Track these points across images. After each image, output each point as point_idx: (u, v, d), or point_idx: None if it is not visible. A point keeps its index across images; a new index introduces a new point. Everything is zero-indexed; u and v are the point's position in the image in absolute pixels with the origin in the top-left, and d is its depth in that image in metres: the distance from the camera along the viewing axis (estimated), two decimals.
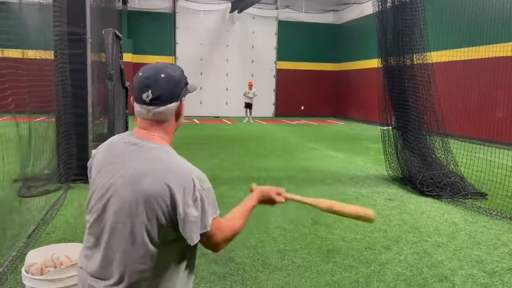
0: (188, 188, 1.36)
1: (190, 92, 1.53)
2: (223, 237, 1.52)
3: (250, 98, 18.36)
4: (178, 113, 1.49)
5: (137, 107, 1.45)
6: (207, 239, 1.45)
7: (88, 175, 1.56)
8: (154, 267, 1.39)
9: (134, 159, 1.41)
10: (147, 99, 1.41)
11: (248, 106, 18.53)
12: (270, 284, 3.26)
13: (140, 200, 1.36)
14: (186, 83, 1.51)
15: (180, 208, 1.35)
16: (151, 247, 1.38)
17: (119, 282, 1.39)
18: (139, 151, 1.43)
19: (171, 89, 1.43)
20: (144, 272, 1.38)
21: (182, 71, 1.51)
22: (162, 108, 1.42)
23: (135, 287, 1.39)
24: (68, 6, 5.85)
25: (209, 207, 1.41)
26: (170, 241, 1.40)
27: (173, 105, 1.45)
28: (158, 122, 1.45)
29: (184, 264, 1.48)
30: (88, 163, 1.59)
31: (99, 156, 1.52)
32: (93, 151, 1.63)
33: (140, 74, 1.45)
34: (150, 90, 1.40)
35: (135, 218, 1.37)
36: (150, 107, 1.42)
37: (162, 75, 1.42)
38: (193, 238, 1.38)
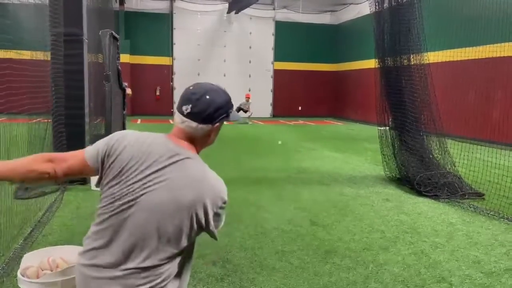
0: (219, 197, 1.54)
1: (229, 121, 1.63)
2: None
3: (246, 111, 18.26)
4: (208, 135, 1.59)
5: (176, 115, 1.58)
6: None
7: (101, 157, 1.54)
8: (172, 260, 1.51)
9: (175, 167, 1.50)
10: (185, 111, 1.53)
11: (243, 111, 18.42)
12: (268, 286, 3.26)
13: (179, 207, 1.47)
14: (228, 111, 1.60)
15: (211, 211, 1.51)
16: (177, 247, 1.50)
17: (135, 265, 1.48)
18: (178, 159, 1.52)
19: (209, 111, 1.53)
20: (164, 262, 1.50)
21: (229, 100, 1.62)
22: (194, 124, 1.53)
23: (148, 270, 1.48)
24: (64, 6, 5.82)
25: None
26: (193, 242, 1.57)
27: (205, 126, 1.55)
28: (188, 135, 1.56)
29: (189, 257, 1.62)
30: (104, 147, 1.55)
31: (130, 147, 1.53)
32: (114, 138, 1.58)
33: (190, 88, 1.58)
34: (190, 105, 1.52)
35: (169, 222, 1.47)
36: (185, 119, 1.54)
37: (207, 97, 1.54)
38: (218, 227, 1.58)
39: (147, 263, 1.47)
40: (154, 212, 1.47)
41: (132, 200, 1.48)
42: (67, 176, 1.61)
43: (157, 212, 1.47)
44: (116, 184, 1.51)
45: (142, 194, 1.48)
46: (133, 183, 1.49)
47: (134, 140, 1.56)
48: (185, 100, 1.54)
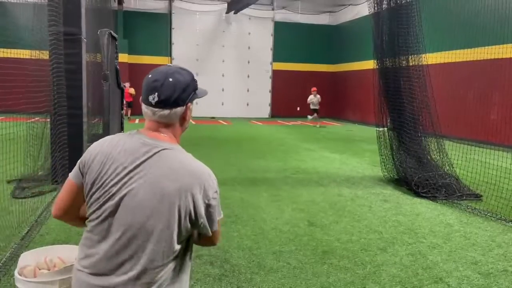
0: (208, 186, 1.46)
1: (198, 97, 1.57)
2: (219, 235, 1.61)
3: (315, 104, 17.21)
4: (183, 118, 1.53)
5: (144, 108, 1.50)
6: (213, 233, 1.53)
7: (80, 170, 1.53)
8: (169, 259, 1.46)
9: (152, 161, 1.44)
10: (153, 101, 1.46)
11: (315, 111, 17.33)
12: (265, 286, 3.25)
13: (162, 200, 1.41)
14: (195, 88, 1.54)
15: (202, 203, 1.44)
16: (170, 246, 1.44)
17: (130, 273, 1.44)
18: (154, 152, 1.46)
19: (177, 94, 1.47)
20: (159, 265, 1.45)
21: (192, 77, 1.54)
22: (166, 112, 1.47)
23: (145, 274, 1.44)
24: (63, 6, 5.81)
25: (219, 201, 1.53)
26: (187, 236, 1.50)
27: (178, 109, 1.49)
28: (164, 124, 1.50)
29: (187, 254, 1.57)
30: (81, 160, 1.55)
31: (102, 152, 1.50)
32: (88, 149, 1.58)
33: (149, 76, 1.49)
34: (156, 93, 1.45)
35: (156, 217, 1.41)
36: (155, 109, 1.47)
37: (170, 79, 1.46)
38: (212, 227, 1.50)
39: (141, 267, 1.42)
40: (139, 210, 1.41)
41: (115, 202, 1.44)
42: (68, 211, 1.60)
43: (141, 210, 1.41)
44: (96, 190, 1.47)
45: (124, 195, 1.43)
46: (112, 185, 1.44)
47: (106, 145, 1.52)
48: (149, 89, 1.46)
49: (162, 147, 1.47)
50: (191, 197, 1.42)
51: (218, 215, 1.52)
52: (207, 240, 1.57)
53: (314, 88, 17.53)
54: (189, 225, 1.44)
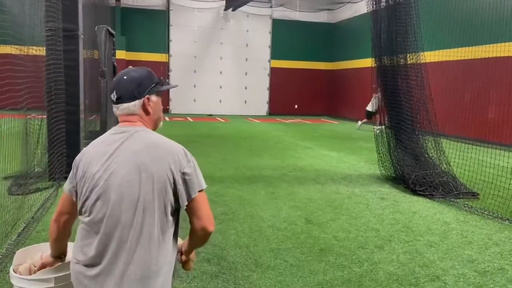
0: (181, 156, 1.58)
1: (161, 90, 1.71)
2: (208, 212, 1.63)
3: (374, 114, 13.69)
4: (145, 109, 1.66)
5: (113, 107, 1.68)
6: (196, 206, 1.59)
7: (73, 173, 1.66)
8: (157, 239, 1.54)
9: (127, 142, 1.58)
10: (114, 98, 1.64)
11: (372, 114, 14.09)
12: (262, 283, 3.25)
13: (142, 171, 1.52)
14: (155, 83, 1.68)
15: (177, 171, 1.54)
16: (163, 213, 1.54)
17: (115, 263, 1.51)
18: (128, 135, 1.60)
19: (132, 88, 1.63)
20: (146, 246, 1.52)
21: (148, 73, 1.69)
22: (125, 105, 1.63)
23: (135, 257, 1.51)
24: (60, 1, 5.78)
25: (200, 173, 1.62)
26: (173, 212, 1.58)
27: (136, 102, 1.64)
28: (131, 116, 1.64)
29: (172, 236, 1.63)
30: (74, 163, 1.68)
31: (91, 151, 1.64)
32: (80, 153, 1.71)
33: (114, 78, 1.70)
34: (115, 91, 1.64)
35: (141, 188, 1.51)
36: (117, 105, 1.65)
37: (125, 77, 1.64)
38: (191, 194, 1.57)
39: (138, 249, 1.50)
40: (123, 186, 1.52)
41: (101, 187, 1.54)
42: (67, 220, 1.74)
43: (125, 184, 1.52)
44: (85, 182, 1.58)
45: (107, 178, 1.54)
46: (96, 172, 1.56)
47: (90, 146, 1.67)
48: (110, 89, 1.66)
49: (135, 130, 1.62)
50: (168, 166, 1.53)
51: (198, 186, 1.59)
52: (196, 218, 1.60)
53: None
54: (170, 192, 1.54)
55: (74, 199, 1.65)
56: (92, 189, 1.55)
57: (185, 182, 1.56)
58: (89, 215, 1.56)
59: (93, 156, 1.60)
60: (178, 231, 1.64)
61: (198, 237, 1.66)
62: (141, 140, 1.59)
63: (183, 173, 1.56)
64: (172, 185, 1.54)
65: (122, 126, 1.65)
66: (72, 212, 1.70)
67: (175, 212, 1.61)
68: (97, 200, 1.54)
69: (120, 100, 1.63)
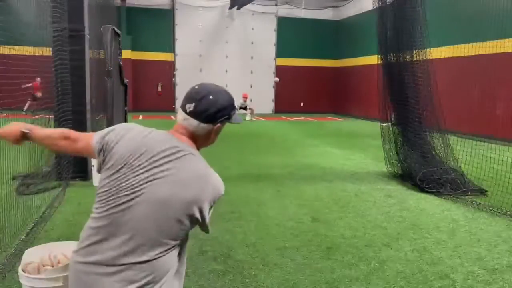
0: (218, 195, 1.59)
1: (230, 123, 1.67)
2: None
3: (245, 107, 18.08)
4: (208, 136, 1.63)
5: (179, 112, 1.61)
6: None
7: (105, 143, 1.59)
8: (170, 253, 1.53)
9: (177, 163, 1.52)
10: (188, 110, 1.57)
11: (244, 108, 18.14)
12: (269, 282, 3.25)
13: (179, 202, 1.48)
14: (230, 113, 1.64)
15: (207, 209, 1.55)
16: (175, 239, 1.53)
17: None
18: (182, 155, 1.54)
19: (211, 111, 1.57)
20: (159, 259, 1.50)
21: (232, 102, 1.65)
22: (195, 123, 1.57)
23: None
24: (66, 2, 5.81)
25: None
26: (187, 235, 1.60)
27: (206, 126, 1.59)
28: (191, 132, 1.60)
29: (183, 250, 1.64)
30: (109, 133, 1.62)
31: (131, 142, 1.57)
32: (116, 130, 1.63)
33: (196, 87, 1.62)
34: (193, 104, 1.56)
35: (169, 216, 1.48)
36: (187, 117, 1.58)
37: (211, 97, 1.57)
38: (210, 230, 1.62)
39: (146, 257, 1.47)
40: (156, 206, 1.48)
41: (133, 193, 1.49)
42: (76, 154, 1.83)
43: (158, 206, 1.48)
44: (116, 177, 1.52)
45: (144, 188, 1.49)
46: (135, 176, 1.50)
47: (136, 133, 1.60)
48: (189, 98, 1.58)
49: (188, 151, 1.56)
50: (205, 204, 1.52)
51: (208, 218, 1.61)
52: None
53: (245, 94, 18.20)
54: (194, 225, 1.57)
55: (96, 154, 1.61)
56: (122, 189, 1.50)
57: (208, 212, 1.58)
58: (107, 217, 1.51)
59: (139, 149, 1.54)
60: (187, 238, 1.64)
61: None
62: (191, 168, 1.54)
63: (211, 207, 1.57)
64: (200, 219, 1.55)
65: (180, 140, 1.58)
66: (81, 149, 1.70)
67: None
68: (122, 205, 1.49)
69: (194, 115, 1.57)
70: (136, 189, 1.49)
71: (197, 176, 1.53)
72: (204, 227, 1.59)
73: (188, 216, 1.51)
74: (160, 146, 1.54)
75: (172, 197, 1.48)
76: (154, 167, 1.51)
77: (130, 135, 1.59)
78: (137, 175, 1.50)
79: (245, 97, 18.28)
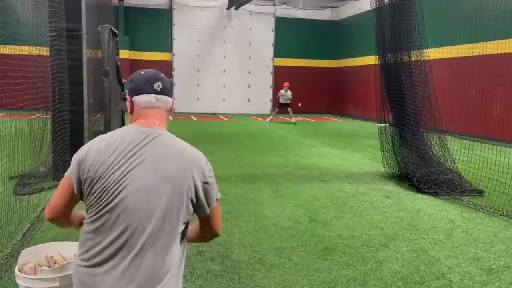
0: (204, 164, 1.58)
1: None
2: (220, 220, 1.71)
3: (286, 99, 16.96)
4: (170, 109, 1.70)
5: (144, 97, 1.62)
6: (212, 216, 1.63)
7: (76, 170, 1.56)
8: (171, 247, 1.53)
9: (150, 146, 1.54)
10: (158, 88, 1.62)
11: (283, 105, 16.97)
12: (267, 282, 3.25)
13: (165, 180, 1.49)
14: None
15: (200, 181, 1.53)
16: (173, 227, 1.51)
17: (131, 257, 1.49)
18: (153, 138, 1.56)
19: (169, 86, 1.69)
20: (161, 247, 1.50)
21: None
22: (167, 99, 1.65)
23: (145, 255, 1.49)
24: (63, 1, 5.79)
25: (215, 181, 1.62)
26: (189, 218, 1.57)
27: (170, 99, 1.68)
28: (159, 111, 1.63)
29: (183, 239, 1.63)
30: (77, 158, 1.57)
31: (100, 147, 1.55)
32: (84, 148, 1.60)
33: (142, 72, 1.66)
34: (160, 81, 1.63)
35: (160, 198, 1.48)
36: (158, 96, 1.62)
37: (162, 75, 1.67)
38: (211, 204, 1.59)
39: (145, 254, 1.47)
40: (143, 192, 1.48)
41: (118, 188, 1.49)
42: (64, 211, 1.64)
43: (145, 191, 1.48)
44: (98, 180, 1.51)
45: (127, 179, 1.49)
46: (114, 171, 1.50)
47: (101, 140, 1.58)
48: (152, 79, 1.63)
49: (158, 133, 1.58)
50: (191, 177, 1.52)
51: (216, 195, 1.61)
52: (210, 227, 1.65)
53: (286, 83, 17.22)
54: (190, 204, 1.53)
55: (75, 191, 1.57)
56: (107, 189, 1.49)
57: (206, 191, 1.56)
58: (100, 217, 1.50)
59: (111, 151, 1.52)
60: (186, 233, 1.62)
61: (205, 239, 1.77)
62: (165, 146, 1.55)
63: (205, 183, 1.55)
64: (194, 196, 1.53)
65: (147, 126, 1.58)
66: (69, 204, 1.62)
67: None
68: (110, 204, 1.48)
69: (165, 91, 1.64)
70: (119, 183, 1.49)
71: (173, 152, 1.55)
72: (202, 207, 1.55)
73: (179, 194, 1.49)
74: (129, 140, 1.54)
75: (155, 178, 1.49)
76: (130, 156, 1.51)
77: (95, 144, 1.56)
78: (116, 170, 1.50)
79: (286, 86, 17.02)
